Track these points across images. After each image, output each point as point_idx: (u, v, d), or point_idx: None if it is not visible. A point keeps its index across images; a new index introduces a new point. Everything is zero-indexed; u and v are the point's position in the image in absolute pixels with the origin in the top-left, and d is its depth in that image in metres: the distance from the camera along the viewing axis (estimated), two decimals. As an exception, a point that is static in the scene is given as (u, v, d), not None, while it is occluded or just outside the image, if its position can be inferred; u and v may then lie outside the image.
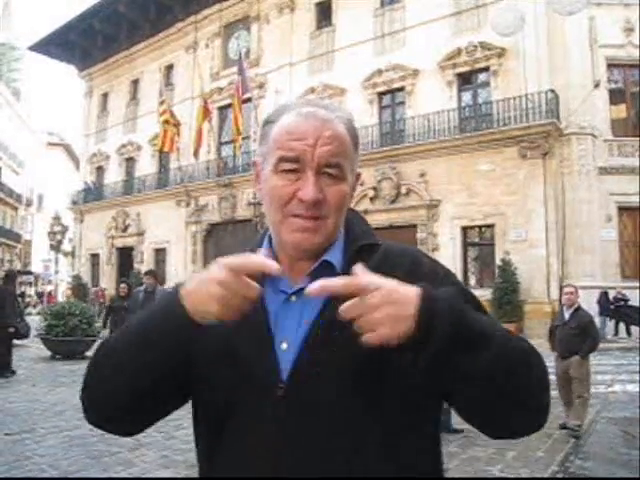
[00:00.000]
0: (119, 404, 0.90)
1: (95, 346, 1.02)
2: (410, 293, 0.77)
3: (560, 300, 6.76)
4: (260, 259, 0.81)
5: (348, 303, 0.75)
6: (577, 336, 6.01)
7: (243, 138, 22.64)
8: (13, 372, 9.62)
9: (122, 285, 10.41)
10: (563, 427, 5.97)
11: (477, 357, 0.77)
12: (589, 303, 14.83)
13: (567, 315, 6.18)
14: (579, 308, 6.23)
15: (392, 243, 1.02)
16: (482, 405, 0.83)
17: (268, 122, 0.99)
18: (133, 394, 0.88)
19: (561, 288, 6.57)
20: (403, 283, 0.78)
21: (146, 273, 9.49)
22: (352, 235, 1.00)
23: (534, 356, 0.85)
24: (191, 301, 0.81)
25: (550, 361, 6.47)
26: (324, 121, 0.93)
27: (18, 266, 47.16)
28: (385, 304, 0.75)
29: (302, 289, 0.91)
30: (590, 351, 6.06)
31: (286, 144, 0.92)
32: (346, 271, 0.93)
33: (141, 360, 0.86)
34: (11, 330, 9.52)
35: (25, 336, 10.16)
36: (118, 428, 1.00)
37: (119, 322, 9.23)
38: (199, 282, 0.82)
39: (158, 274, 9.58)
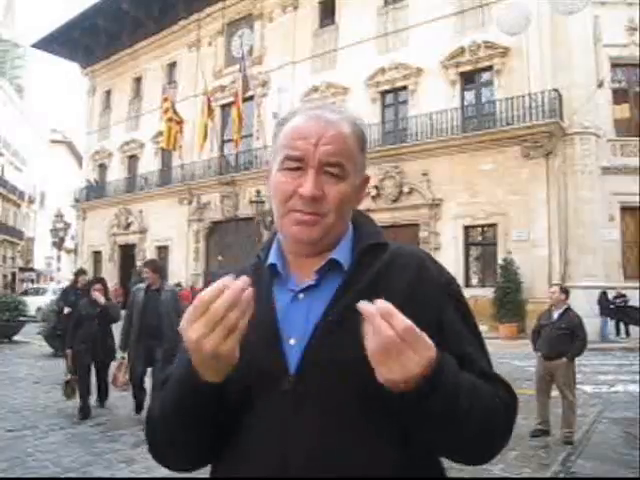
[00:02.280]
0: (186, 461, 0.98)
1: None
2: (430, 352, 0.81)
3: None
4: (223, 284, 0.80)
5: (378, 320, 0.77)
6: (566, 336, 5.84)
7: (245, 136, 22.73)
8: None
9: (97, 286, 6.90)
10: (534, 435, 5.71)
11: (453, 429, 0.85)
12: (591, 303, 14.83)
13: (556, 315, 6.02)
14: (569, 308, 6.08)
15: (401, 245, 1.05)
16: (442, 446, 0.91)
17: (280, 124, 1.04)
18: (199, 452, 0.96)
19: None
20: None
21: (146, 264, 6.52)
22: (360, 235, 1.03)
23: (504, 421, 0.92)
24: (198, 367, 0.84)
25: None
26: (328, 122, 0.98)
27: (20, 263, 47.28)
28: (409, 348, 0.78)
29: (310, 286, 0.97)
30: (578, 354, 5.88)
31: (291, 143, 0.97)
32: (353, 270, 0.97)
33: (194, 436, 0.92)
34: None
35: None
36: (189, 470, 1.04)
37: (91, 336, 6.50)
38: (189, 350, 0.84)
39: (162, 266, 6.87)
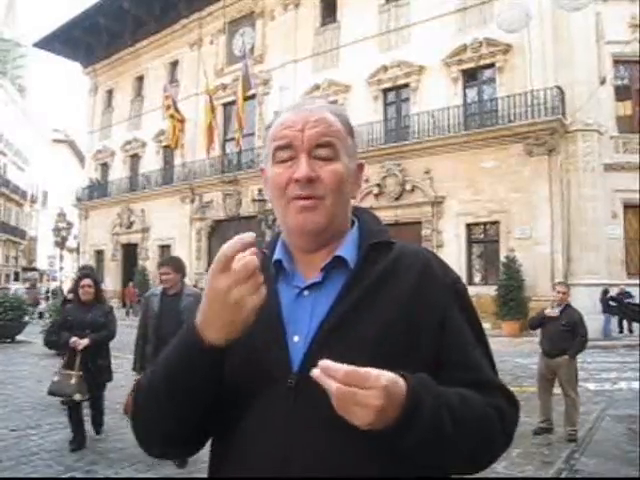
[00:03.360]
0: (171, 441, 0.94)
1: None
2: (399, 394, 0.79)
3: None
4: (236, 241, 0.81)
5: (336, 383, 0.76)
6: (567, 333, 5.83)
7: (247, 135, 22.75)
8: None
9: (85, 281, 5.50)
10: (537, 433, 5.73)
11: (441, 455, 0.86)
12: (593, 300, 14.81)
13: (557, 312, 5.99)
14: (569, 305, 6.07)
15: (406, 244, 1.05)
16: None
17: (268, 127, 1.08)
18: (184, 433, 0.92)
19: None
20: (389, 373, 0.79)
21: (166, 263, 5.03)
22: (366, 232, 1.03)
23: (500, 430, 0.92)
24: (210, 321, 0.82)
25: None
26: (311, 110, 1.01)
27: (23, 263, 47.38)
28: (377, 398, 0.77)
29: (315, 284, 0.97)
30: (580, 350, 5.88)
31: (279, 134, 0.99)
32: (358, 267, 0.97)
33: (181, 409, 0.88)
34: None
35: None
36: (177, 455, 1.03)
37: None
38: (205, 302, 0.83)
39: (183, 264, 5.15)
